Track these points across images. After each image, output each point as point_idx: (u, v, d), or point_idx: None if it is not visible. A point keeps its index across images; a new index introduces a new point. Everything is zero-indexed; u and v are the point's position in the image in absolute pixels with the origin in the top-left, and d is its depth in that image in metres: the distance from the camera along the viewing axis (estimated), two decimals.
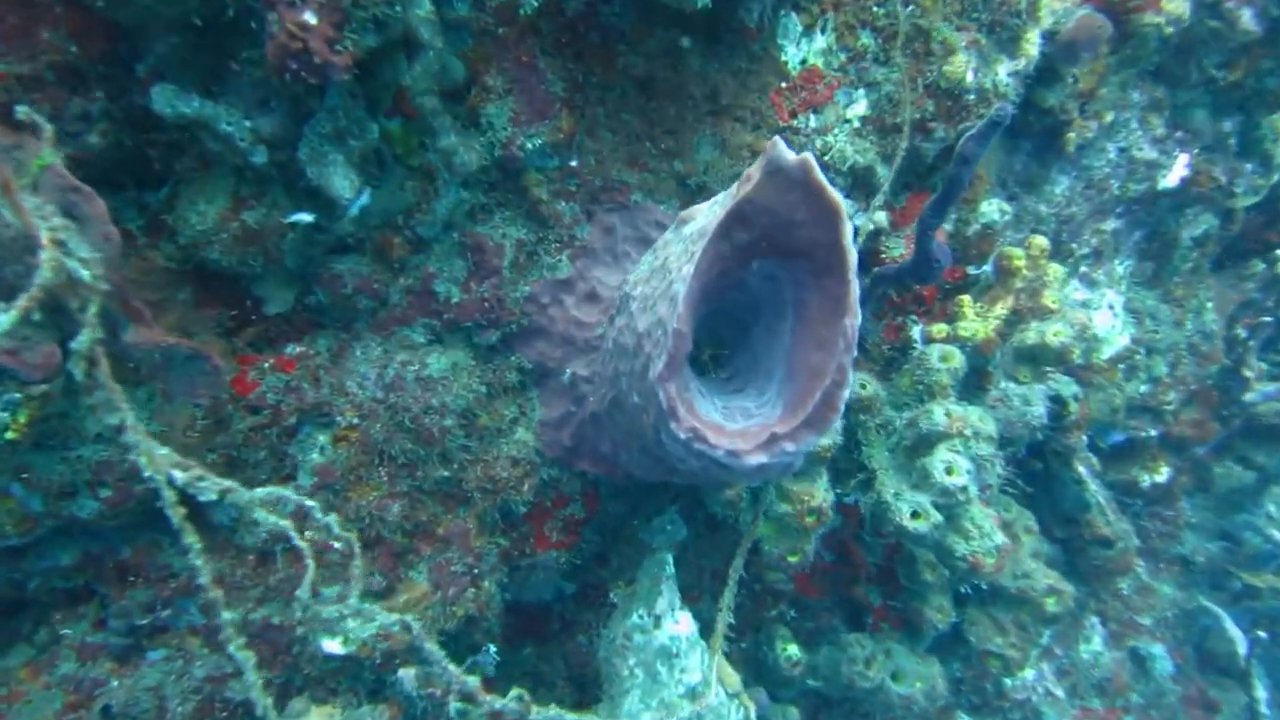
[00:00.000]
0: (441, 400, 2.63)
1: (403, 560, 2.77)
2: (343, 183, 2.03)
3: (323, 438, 2.62)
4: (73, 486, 2.22)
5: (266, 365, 2.47)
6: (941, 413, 3.04)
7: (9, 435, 1.96)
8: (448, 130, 2.13)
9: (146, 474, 1.52)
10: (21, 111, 1.68)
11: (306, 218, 2.17)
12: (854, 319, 1.79)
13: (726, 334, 2.39)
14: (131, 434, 1.59)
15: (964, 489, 2.93)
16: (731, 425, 2.04)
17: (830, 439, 3.06)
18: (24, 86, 1.80)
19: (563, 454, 2.97)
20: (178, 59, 1.89)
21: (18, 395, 1.93)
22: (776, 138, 1.74)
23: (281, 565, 2.62)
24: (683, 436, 1.87)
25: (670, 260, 1.93)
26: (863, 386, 3.23)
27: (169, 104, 1.85)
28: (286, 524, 1.65)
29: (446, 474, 2.76)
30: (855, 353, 1.80)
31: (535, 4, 2.43)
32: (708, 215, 1.84)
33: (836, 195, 1.76)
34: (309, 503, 1.71)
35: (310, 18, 1.76)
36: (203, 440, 2.36)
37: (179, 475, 1.55)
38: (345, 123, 2.05)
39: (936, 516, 2.97)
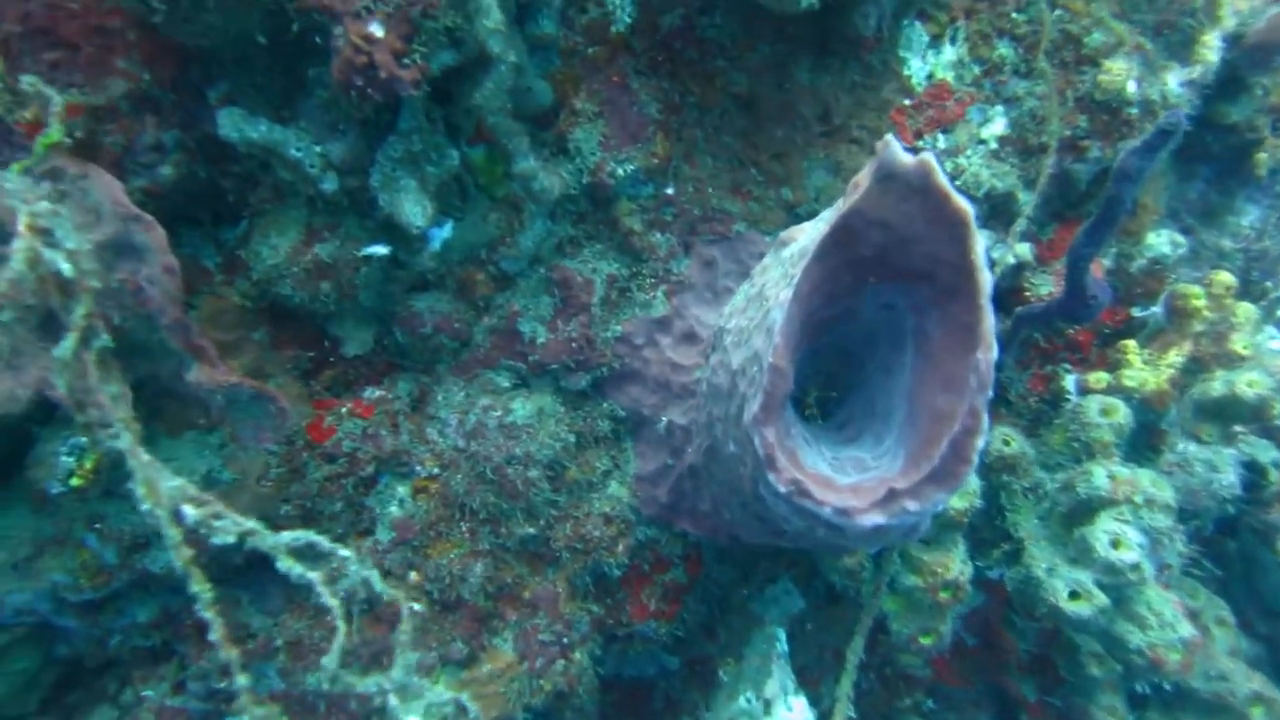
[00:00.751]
0: (526, 450, 2.47)
1: (486, 626, 2.60)
2: (414, 209, 1.92)
3: (402, 489, 2.50)
4: (145, 538, 2.18)
5: (344, 410, 2.39)
6: (1104, 475, 2.64)
7: (74, 482, 1.92)
8: (525, 154, 2.00)
9: (144, 508, 1.40)
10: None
11: (381, 250, 2.08)
12: (988, 353, 1.50)
13: (837, 373, 2.12)
14: (131, 458, 1.46)
15: (1136, 566, 2.51)
16: (842, 479, 1.77)
17: (965, 500, 2.70)
18: (98, 118, 1.80)
19: (660, 512, 2.75)
20: (249, 83, 1.85)
21: (84, 439, 1.90)
22: (889, 136, 1.50)
23: (361, 627, 2.50)
24: (783, 490, 1.62)
25: (768, 287, 1.70)
26: (1006, 442, 2.86)
27: (235, 128, 1.80)
28: (315, 576, 1.50)
29: (532, 531, 2.59)
30: (990, 394, 1.52)
31: (628, 20, 2.31)
32: (811, 234, 1.61)
33: (963, 202, 1.50)
34: (343, 551, 1.55)
35: (377, 30, 1.67)
36: (277, 490, 2.29)
37: (190, 512, 1.42)
38: (420, 147, 1.96)
39: (1101, 599, 2.55)
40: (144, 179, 1.84)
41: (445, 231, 2.34)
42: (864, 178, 1.53)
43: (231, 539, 1.42)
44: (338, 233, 2.04)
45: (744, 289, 1.88)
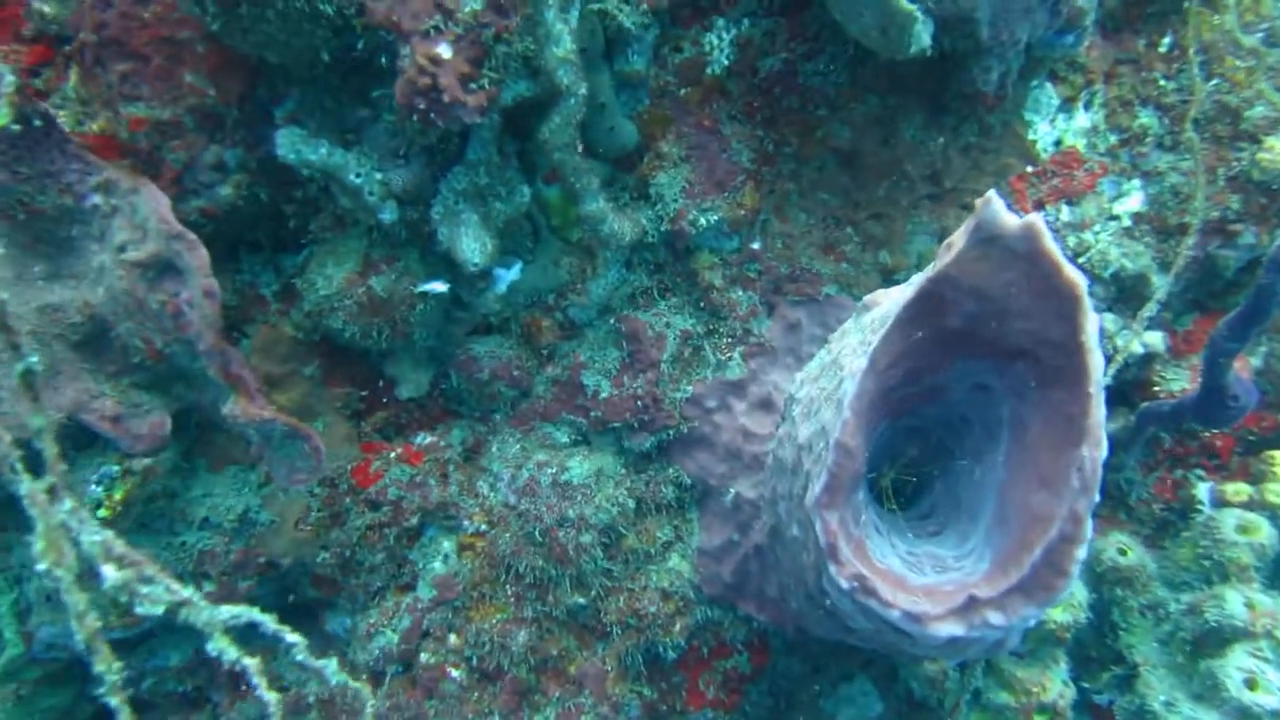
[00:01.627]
0: (580, 512, 2.34)
1: (527, 700, 2.45)
2: (472, 245, 1.85)
3: (447, 544, 2.41)
4: (176, 577, 2.13)
5: (393, 455, 2.31)
6: (1239, 602, 2.33)
7: (102, 513, 1.88)
8: (594, 194, 1.91)
9: (40, 566, 1.19)
10: None
11: (440, 288, 2.01)
12: (1095, 449, 1.30)
13: (922, 461, 1.93)
14: (29, 503, 1.18)
15: (1275, 715, 2.19)
16: (917, 579, 1.57)
17: (1069, 614, 2.42)
18: (163, 133, 1.80)
19: (724, 592, 2.57)
20: (317, 104, 1.82)
21: (115, 468, 1.86)
22: (991, 193, 1.33)
23: (392, 689, 2.40)
24: (845, 585, 1.44)
25: (844, 355, 1.54)
26: (1123, 552, 2.57)
27: (293, 149, 1.76)
28: (251, 662, 1.34)
29: (582, 601, 2.44)
30: (1096, 498, 1.31)
31: (725, 62, 2.21)
32: (896, 298, 1.45)
33: (1075, 274, 1.30)
34: (291, 637, 1.40)
35: (445, 51, 1.61)
36: (316, 535, 2.21)
37: (111, 574, 1.24)
38: (488, 180, 1.89)
39: None
40: (203, 199, 1.82)
41: (513, 273, 2.27)
42: (959, 238, 1.37)
43: (160, 610, 1.25)
44: (395, 266, 1.99)
45: (820, 355, 1.72)
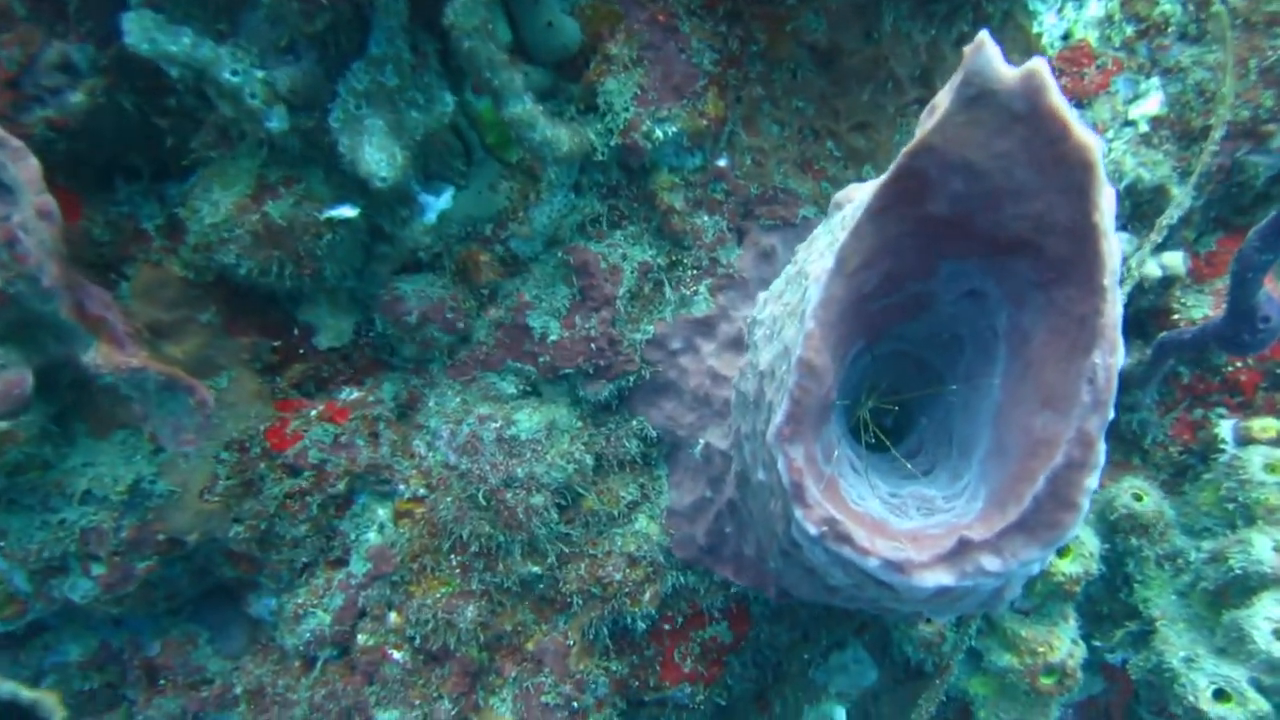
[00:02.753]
0: (530, 471, 2.14)
1: (480, 681, 2.26)
2: (377, 156, 1.61)
3: (382, 511, 2.20)
4: (60, 560, 1.92)
5: (313, 414, 2.09)
6: (1269, 546, 2.15)
7: None
8: (518, 94, 1.67)
9: None
10: None
11: (348, 212, 1.78)
12: (1111, 355, 1.09)
13: (908, 388, 1.72)
14: None
15: None
16: (900, 523, 1.38)
17: (1079, 564, 2.24)
18: None
19: (697, 555, 2.38)
20: None
21: None
22: (984, 35, 1.11)
23: (328, 675, 2.21)
24: (813, 531, 1.25)
25: (810, 262, 1.34)
26: (1138, 497, 2.40)
27: (146, 38, 1.48)
28: None
29: (537, 570, 2.25)
30: (1110, 415, 1.12)
31: None
32: (870, 188, 1.24)
33: (1087, 136, 1.08)
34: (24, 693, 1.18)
35: None
36: (225, 506, 1.98)
37: None
38: (398, 82, 1.65)
39: (1259, 703, 2.07)
40: (49, 108, 1.56)
41: (443, 201, 2.04)
42: (943, 98, 1.14)
43: None
44: (295, 189, 1.74)
45: (786, 269, 1.51)
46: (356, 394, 2.14)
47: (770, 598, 2.35)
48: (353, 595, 2.14)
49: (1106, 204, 1.10)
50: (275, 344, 2.04)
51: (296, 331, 2.06)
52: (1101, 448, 1.12)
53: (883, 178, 1.18)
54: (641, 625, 2.39)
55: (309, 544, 2.13)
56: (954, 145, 1.17)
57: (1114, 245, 1.11)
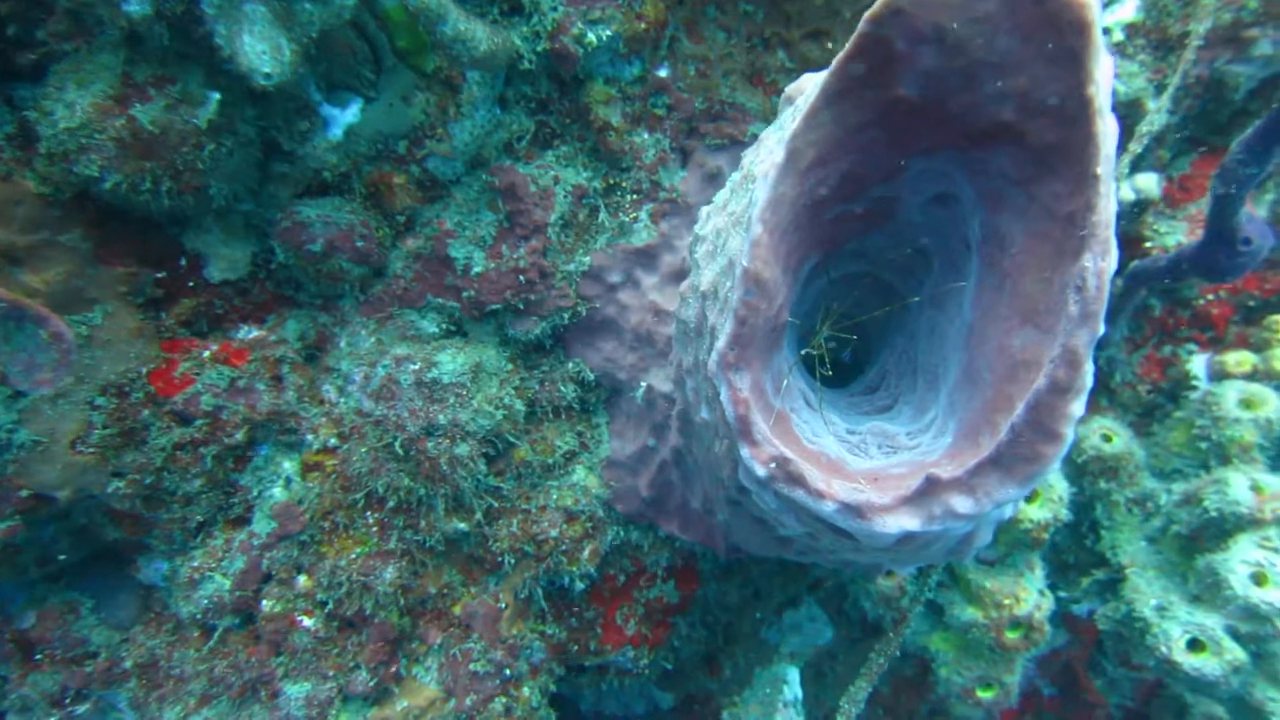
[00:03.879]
0: (453, 417, 1.98)
1: (402, 649, 2.12)
2: (258, 47, 1.42)
3: (288, 464, 2.03)
4: None
5: (206, 355, 1.89)
6: (1244, 485, 2.09)
7: None
8: None
9: None
10: None
11: (210, 101, 1.57)
12: (1103, 258, 0.95)
13: (868, 310, 1.60)
14: None
15: None
16: (859, 463, 1.27)
17: (1047, 509, 2.16)
18: None
19: (640, 508, 2.26)
20: None
21: None
22: None
23: (230, 645, 2.05)
24: (760, 472, 1.12)
25: (758, 162, 1.19)
26: (1106, 438, 2.32)
27: None
28: None
29: (463, 527, 2.10)
30: (1101, 329, 1.00)
31: None
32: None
33: None
34: None
35: None
36: (103, 459, 1.79)
37: None
38: None
39: (1236, 652, 2.02)
40: None
41: (349, 113, 1.85)
42: None
43: None
44: (169, 90, 1.55)
45: (731, 177, 1.36)
46: (256, 332, 1.96)
47: (720, 553, 2.24)
48: (256, 557, 1.98)
49: (1103, 75, 0.97)
50: (159, 275, 1.84)
51: (184, 261, 1.87)
52: (1090, 368, 1.00)
53: (841, 53, 1.04)
54: (580, 585, 2.27)
55: (204, 501, 1.95)
56: (926, 7, 1.02)
57: (1110, 126, 0.99)
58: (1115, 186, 1.07)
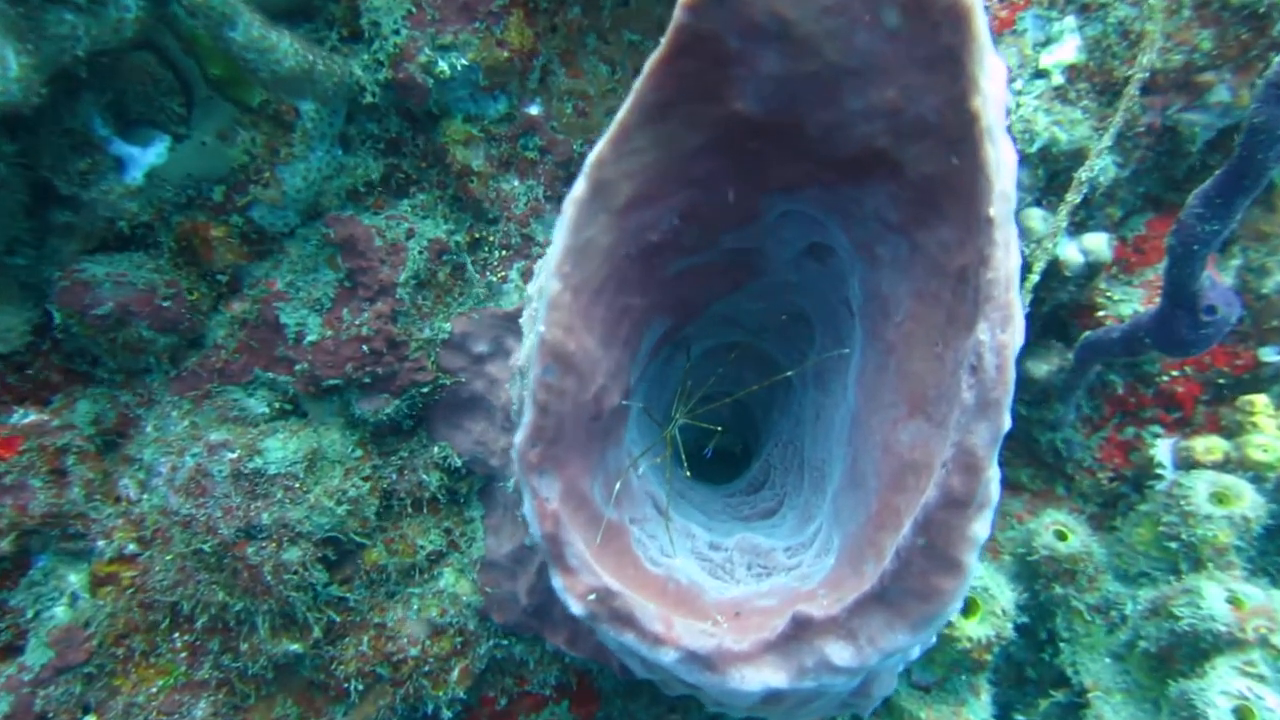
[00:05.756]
0: (280, 516, 1.69)
1: None
2: None
3: (74, 577, 1.72)
4: None
5: None
6: (1220, 598, 1.84)
7: None
8: None
9: None
10: None
11: None
12: (1004, 330, 0.70)
13: (753, 395, 1.35)
14: None
15: None
16: (721, 590, 1.00)
17: (988, 625, 1.89)
18: None
19: (522, 618, 1.96)
20: None
21: None
22: None
23: None
24: (576, 610, 0.87)
25: (569, 198, 0.95)
26: (1061, 536, 2.06)
27: None
28: None
29: (296, 648, 1.79)
30: (1007, 423, 0.75)
31: None
32: None
33: None
34: None
35: None
36: None
37: None
38: None
39: None
40: None
41: (153, 154, 1.60)
42: None
43: None
44: None
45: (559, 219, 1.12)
46: (34, 416, 1.66)
47: (616, 672, 1.95)
48: (27, 696, 1.65)
49: (993, 84, 0.73)
50: None
51: None
52: (993, 474, 0.75)
53: (655, 54, 0.80)
54: (448, 714, 1.96)
55: None
56: None
57: (1005, 153, 0.75)
58: (1020, 235, 0.83)
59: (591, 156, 0.80)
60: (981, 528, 0.75)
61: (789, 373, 1.14)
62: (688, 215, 0.96)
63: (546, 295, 0.80)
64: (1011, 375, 0.74)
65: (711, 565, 1.09)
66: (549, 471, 0.87)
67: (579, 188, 0.80)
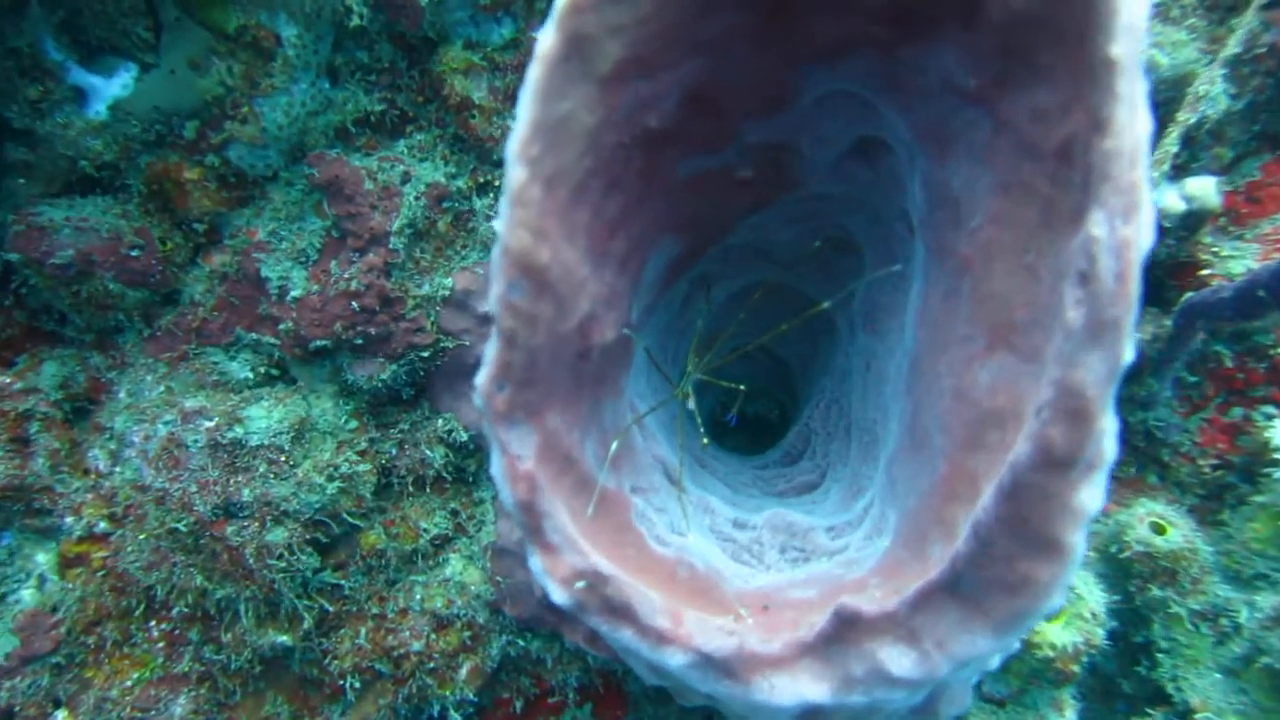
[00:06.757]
0: (262, 492, 1.53)
1: None
2: None
3: (41, 557, 1.58)
4: None
5: None
6: None
7: None
8: None
9: None
10: None
11: None
12: (1128, 222, 0.52)
13: (788, 346, 1.14)
14: None
15: None
16: (743, 577, 0.81)
17: (1076, 633, 1.66)
18: None
19: (539, 611, 1.78)
20: None
21: None
22: None
23: None
24: (560, 597, 0.69)
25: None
26: (1159, 530, 1.83)
27: None
28: None
29: (285, 640, 1.64)
30: (1128, 356, 0.54)
31: None
32: None
33: None
34: None
35: None
36: None
37: None
38: None
39: None
40: None
41: (118, 85, 1.45)
42: None
43: None
44: None
45: None
46: None
47: (642, 675, 1.76)
48: None
49: None
50: None
51: None
52: (1108, 424, 0.54)
53: None
54: (457, 716, 1.79)
55: None
56: None
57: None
58: (1151, 111, 0.61)
59: (560, 3, 0.60)
60: (1091, 496, 0.54)
61: (825, 304, 0.92)
62: (697, 94, 0.75)
63: (509, 187, 0.61)
64: (1137, 286, 0.53)
65: (735, 547, 0.90)
66: (521, 422, 0.69)
67: (547, 40, 0.60)
